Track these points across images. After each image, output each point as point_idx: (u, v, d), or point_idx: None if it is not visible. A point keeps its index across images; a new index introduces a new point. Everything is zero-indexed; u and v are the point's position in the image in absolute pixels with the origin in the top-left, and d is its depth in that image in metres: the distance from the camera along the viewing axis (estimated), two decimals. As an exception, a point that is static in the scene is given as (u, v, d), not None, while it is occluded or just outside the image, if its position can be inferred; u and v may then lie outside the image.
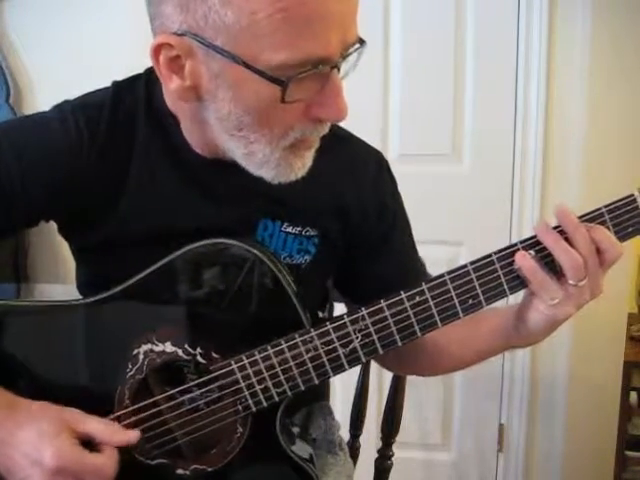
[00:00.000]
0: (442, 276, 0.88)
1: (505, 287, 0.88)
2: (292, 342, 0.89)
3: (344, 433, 1.30)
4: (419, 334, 0.89)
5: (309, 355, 0.89)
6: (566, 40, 1.97)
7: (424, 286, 0.88)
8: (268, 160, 0.86)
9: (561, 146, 2.03)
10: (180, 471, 0.95)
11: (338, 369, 0.90)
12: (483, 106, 2.07)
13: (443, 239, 2.11)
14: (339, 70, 0.81)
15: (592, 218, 0.86)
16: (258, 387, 0.90)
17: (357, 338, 0.89)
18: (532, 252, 0.86)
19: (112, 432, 0.87)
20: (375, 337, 0.89)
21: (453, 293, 0.88)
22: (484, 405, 2.24)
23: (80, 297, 0.97)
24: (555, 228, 0.85)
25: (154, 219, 0.95)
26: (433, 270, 1.05)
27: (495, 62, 2.03)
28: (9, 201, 0.91)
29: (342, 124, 1.06)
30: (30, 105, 2.29)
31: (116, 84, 0.97)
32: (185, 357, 0.92)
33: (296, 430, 1.13)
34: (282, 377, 0.90)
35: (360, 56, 0.83)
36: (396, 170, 1.08)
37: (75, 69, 2.15)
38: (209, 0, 0.75)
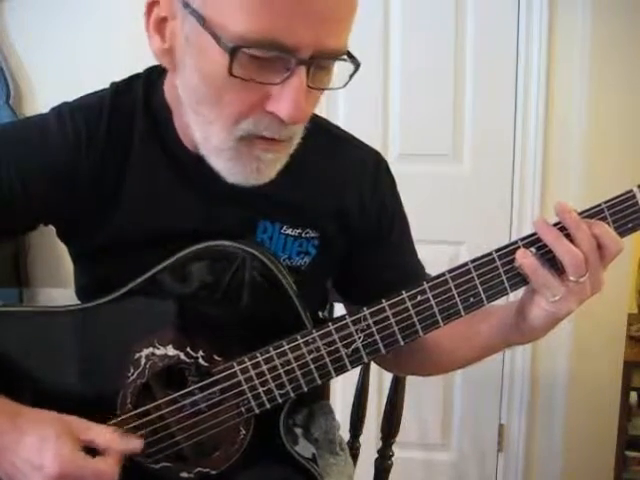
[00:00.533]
0: (443, 275, 0.88)
1: (506, 285, 0.88)
2: (294, 343, 0.89)
3: (344, 433, 1.30)
4: (421, 333, 0.89)
5: (312, 356, 0.89)
6: (566, 40, 1.98)
7: (425, 285, 0.88)
8: (222, 148, 0.83)
9: (561, 146, 2.04)
10: (184, 474, 0.95)
11: (341, 369, 0.90)
12: (483, 106, 2.07)
13: (443, 239, 2.11)
14: (308, 71, 0.78)
15: (592, 214, 0.86)
16: (261, 389, 0.90)
17: (359, 338, 0.89)
18: (533, 249, 0.86)
19: (115, 439, 0.87)
20: (377, 337, 0.89)
21: (454, 292, 0.88)
22: (484, 405, 2.24)
23: (80, 302, 0.96)
24: (555, 225, 0.85)
25: (153, 221, 0.94)
26: (433, 270, 1.04)
27: (495, 62, 2.03)
28: (9, 204, 0.91)
29: (342, 124, 1.06)
30: (30, 106, 2.29)
31: (114, 85, 0.97)
32: (187, 360, 0.91)
33: (299, 430, 1.13)
34: (285, 379, 0.90)
35: (352, 77, 0.82)
36: (396, 170, 1.08)
37: (75, 70, 2.16)
38: None
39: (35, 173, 0.91)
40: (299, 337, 0.89)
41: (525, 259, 0.85)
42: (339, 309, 1.18)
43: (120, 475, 0.86)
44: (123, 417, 0.92)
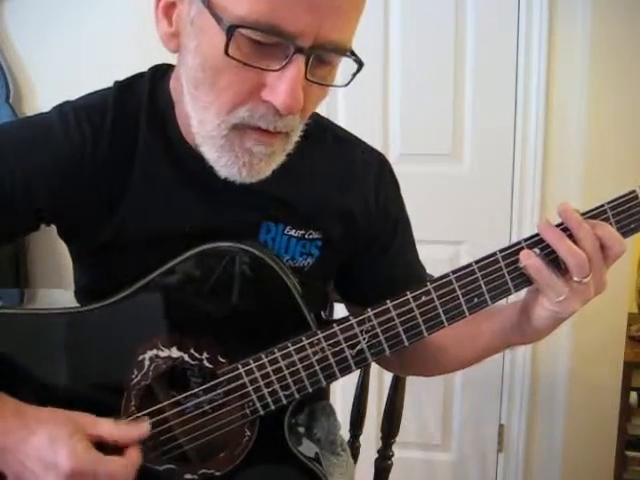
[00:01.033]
0: (447, 275, 0.88)
1: (510, 285, 0.88)
2: (299, 345, 0.89)
3: (344, 433, 1.30)
4: (426, 334, 0.89)
5: (316, 357, 0.89)
6: (566, 40, 1.97)
7: (430, 286, 0.88)
8: (214, 135, 0.83)
9: (561, 146, 2.04)
10: (188, 476, 0.95)
11: (345, 370, 0.90)
12: (483, 106, 2.07)
13: (443, 239, 2.11)
14: (307, 62, 0.77)
15: (595, 215, 0.86)
16: (266, 390, 0.90)
17: (364, 339, 0.89)
18: (537, 250, 0.86)
19: (124, 430, 0.87)
20: (382, 337, 0.89)
21: (459, 292, 0.88)
22: (484, 405, 2.24)
23: (84, 304, 0.96)
24: (558, 226, 0.85)
25: (155, 221, 0.94)
26: (433, 270, 1.05)
27: (495, 62, 2.03)
28: (12, 205, 0.91)
29: (343, 124, 1.06)
30: (30, 105, 2.29)
31: (117, 84, 0.96)
32: (191, 362, 0.91)
33: (302, 430, 1.13)
34: (290, 380, 0.90)
35: (355, 75, 0.82)
36: (396, 170, 1.08)
37: (75, 69, 2.15)
38: None
39: (38, 173, 0.90)
40: (304, 338, 0.89)
41: (529, 260, 0.85)
42: (339, 309, 1.18)
43: None
44: (127, 420, 0.92)
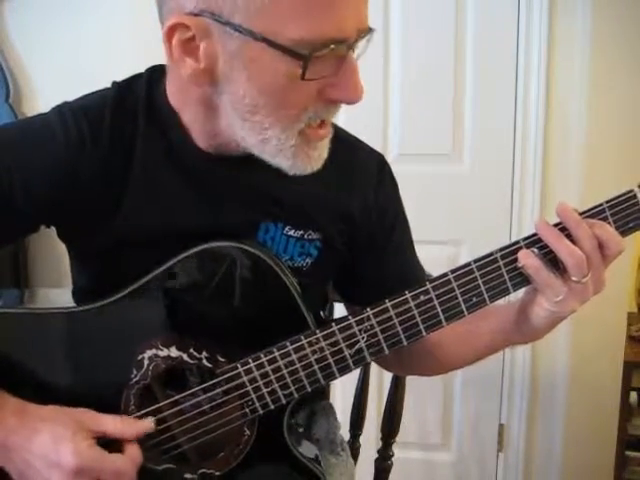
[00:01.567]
0: (446, 275, 0.88)
1: (509, 285, 0.88)
2: (298, 344, 0.89)
3: (344, 433, 1.30)
4: (424, 333, 0.89)
5: (315, 356, 0.89)
6: (566, 40, 1.97)
7: (428, 285, 0.88)
8: (283, 147, 0.85)
9: (561, 146, 2.03)
10: (188, 476, 0.95)
11: (344, 370, 0.90)
12: (483, 106, 2.07)
13: (443, 239, 2.11)
14: (354, 52, 0.81)
15: (593, 214, 0.86)
16: (265, 390, 0.90)
17: (363, 338, 0.89)
18: (535, 249, 0.86)
19: (126, 426, 0.88)
20: (381, 337, 0.89)
21: (457, 292, 0.88)
22: (484, 405, 2.24)
23: (83, 303, 0.96)
24: (557, 225, 0.85)
25: (154, 221, 0.94)
26: (433, 270, 1.05)
27: (495, 62, 2.03)
28: (11, 206, 0.91)
29: (342, 124, 1.06)
30: (30, 105, 2.29)
31: (116, 85, 0.96)
32: (190, 361, 0.91)
33: (301, 430, 1.13)
34: (289, 379, 0.90)
35: (369, 43, 0.84)
36: (396, 170, 1.08)
37: (75, 69, 2.15)
38: None
39: (37, 174, 0.90)
40: (303, 338, 0.89)
41: (528, 259, 0.85)
42: (339, 309, 1.18)
43: None
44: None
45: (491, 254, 0.88)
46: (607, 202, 0.87)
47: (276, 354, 0.89)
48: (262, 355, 0.89)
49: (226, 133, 0.88)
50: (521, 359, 2.17)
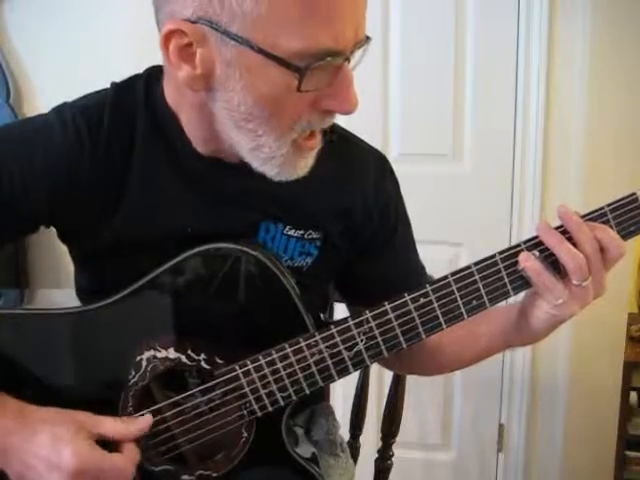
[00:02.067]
0: (446, 277, 0.88)
1: (509, 287, 0.88)
2: (296, 346, 0.89)
3: (344, 433, 1.30)
4: (424, 336, 0.89)
5: (314, 359, 0.89)
6: (566, 40, 1.97)
7: (428, 288, 0.88)
8: (274, 155, 0.85)
9: (561, 146, 2.03)
10: (185, 477, 0.95)
11: (343, 372, 0.90)
12: (483, 106, 2.06)
13: (443, 239, 2.11)
14: (349, 63, 0.81)
15: (595, 217, 0.86)
16: (263, 392, 0.90)
17: (362, 341, 0.89)
18: (536, 252, 0.86)
19: (125, 426, 0.88)
20: (380, 340, 0.89)
21: (457, 294, 0.88)
22: (484, 405, 2.24)
23: (82, 304, 0.96)
24: (558, 228, 0.85)
25: (154, 222, 0.94)
26: (433, 270, 1.05)
27: (495, 62, 2.03)
28: (10, 206, 0.91)
29: (343, 124, 1.06)
30: (30, 105, 2.29)
31: (115, 85, 0.96)
32: (189, 363, 0.91)
33: (300, 431, 1.13)
34: (287, 381, 0.90)
35: (365, 52, 0.84)
36: (396, 170, 1.08)
37: (75, 69, 2.15)
38: None
39: (37, 174, 0.90)
40: (301, 340, 0.89)
41: (528, 262, 0.85)
42: (340, 309, 1.18)
43: None
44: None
45: (492, 257, 0.87)
46: (609, 205, 0.87)
47: (275, 356, 0.89)
48: (260, 357, 0.89)
49: (220, 137, 0.88)
50: (521, 359, 2.17)
